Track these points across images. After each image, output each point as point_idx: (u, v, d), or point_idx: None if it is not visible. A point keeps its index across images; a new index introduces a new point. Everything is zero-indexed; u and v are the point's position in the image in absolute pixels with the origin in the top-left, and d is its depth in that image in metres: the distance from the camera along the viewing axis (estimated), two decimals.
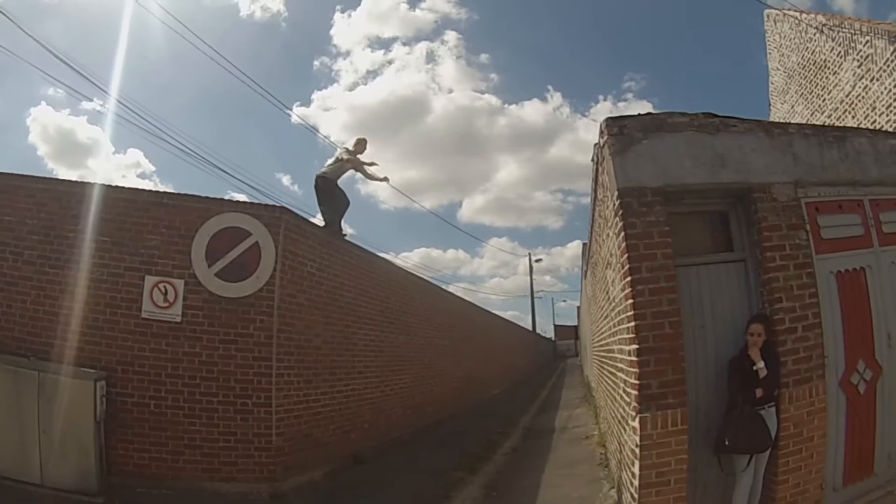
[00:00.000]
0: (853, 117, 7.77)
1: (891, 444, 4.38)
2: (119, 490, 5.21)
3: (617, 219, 3.87)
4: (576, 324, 46.98)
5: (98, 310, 5.66)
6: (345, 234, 7.86)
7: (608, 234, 4.59)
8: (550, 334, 61.40)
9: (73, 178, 6.37)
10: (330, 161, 7.91)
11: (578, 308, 36.36)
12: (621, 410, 4.42)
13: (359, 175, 8.37)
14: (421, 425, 9.96)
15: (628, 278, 3.70)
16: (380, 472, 6.80)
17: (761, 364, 3.69)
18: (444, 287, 14.92)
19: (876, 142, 5.02)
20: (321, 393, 6.72)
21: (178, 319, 5.72)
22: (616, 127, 3.93)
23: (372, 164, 8.43)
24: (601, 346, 7.52)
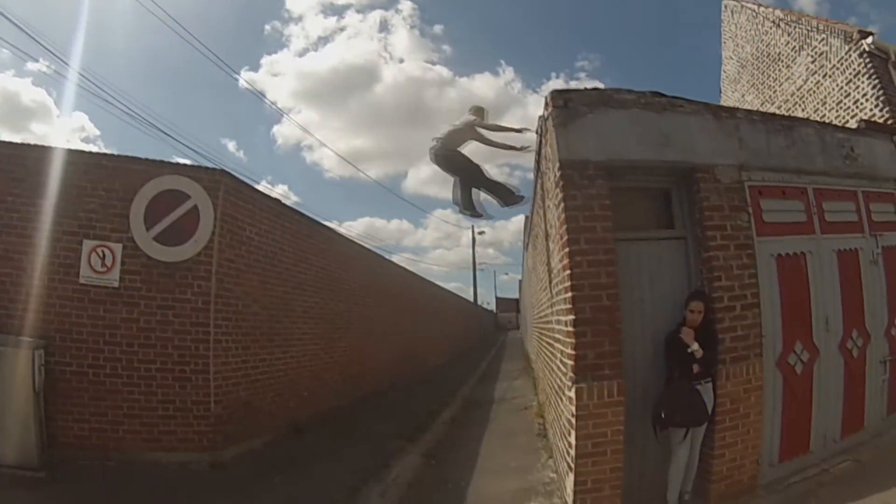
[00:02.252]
0: (802, 110, 8.07)
1: (826, 424, 4.62)
2: (61, 463, 5.09)
3: (558, 190, 3.89)
4: (517, 297, 47.75)
5: (35, 276, 5.50)
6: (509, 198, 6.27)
7: (549, 206, 4.63)
8: (492, 307, 62.34)
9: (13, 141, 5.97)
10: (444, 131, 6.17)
11: (520, 281, 36.90)
12: (558, 381, 4.50)
13: (304, 143, 8.00)
14: (361, 394, 10.01)
15: (566, 249, 3.74)
16: (319, 441, 6.81)
17: (695, 346, 3.79)
18: (387, 257, 14.86)
19: (823, 133, 5.21)
20: (259, 360, 6.71)
21: (116, 284, 5.61)
22: (561, 99, 3.94)
23: (499, 127, 6.27)
24: (540, 317, 7.64)
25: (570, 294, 3.71)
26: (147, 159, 5.92)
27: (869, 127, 5.93)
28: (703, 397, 3.80)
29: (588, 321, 3.68)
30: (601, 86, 4.36)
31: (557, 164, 3.84)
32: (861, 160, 5.38)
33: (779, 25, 8.90)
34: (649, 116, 4.12)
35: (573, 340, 3.69)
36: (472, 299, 39.25)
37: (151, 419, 5.50)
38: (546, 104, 4.10)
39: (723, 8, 11.24)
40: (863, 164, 5.39)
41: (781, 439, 4.36)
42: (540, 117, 4.50)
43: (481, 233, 35.68)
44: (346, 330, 9.83)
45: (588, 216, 3.76)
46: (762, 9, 9.67)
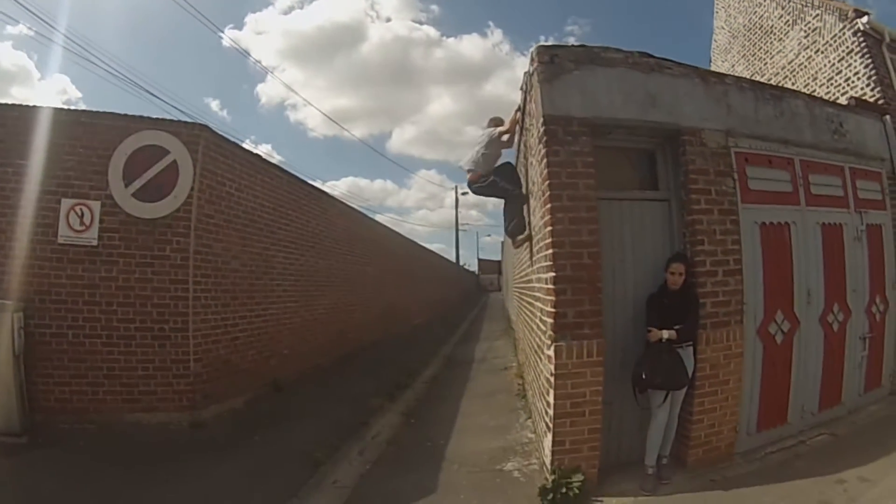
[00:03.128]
0: (793, 84, 8.03)
1: (804, 396, 4.69)
2: (43, 428, 5.09)
3: (541, 146, 3.85)
4: (500, 259, 47.90)
5: (14, 237, 5.45)
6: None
7: (532, 163, 4.61)
8: (474, 268, 62.59)
9: None
10: (470, 156, 5.38)
11: (502, 243, 36.81)
12: (538, 339, 4.51)
13: (288, 102, 7.65)
14: (342, 353, 10.02)
15: (548, 206, 3.71)
16: (300, 400, 6.85)
17: (666, 335, 3.75)
18: (370, 216, 14.74)
19: (813, 107, 5.23)
20: (239, 317, 6.70)
21: (95, 243, 5.57)
22: (547, 55, 3.89)
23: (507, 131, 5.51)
24: (521, 277, 7.60)
25: (550, 251, 3.69)
26: (126, 115, 5.82)
27: (859, 105, 5.95)
28: (684, 361, 3.81)
29: (568, 279, 3.66)
30: None
31: (541, 120, 3.80)
32: (850, 136, 5.44)
33: None
34: (636, 76, 4.08)
35: (553, 298, 3.67)
36: (454, 260, 39.53)
37: (131, 380, 5.49)
38: (532, 60, 4.05)
39: None
40: (851, 141, 5.44)
41: (760, 408, 4.41)
42: (525, 73, 4.43)
43: (464, 193, 35.34)
44: (327, 287, 9.81)
45: (571, 173, 3.72)
46: None
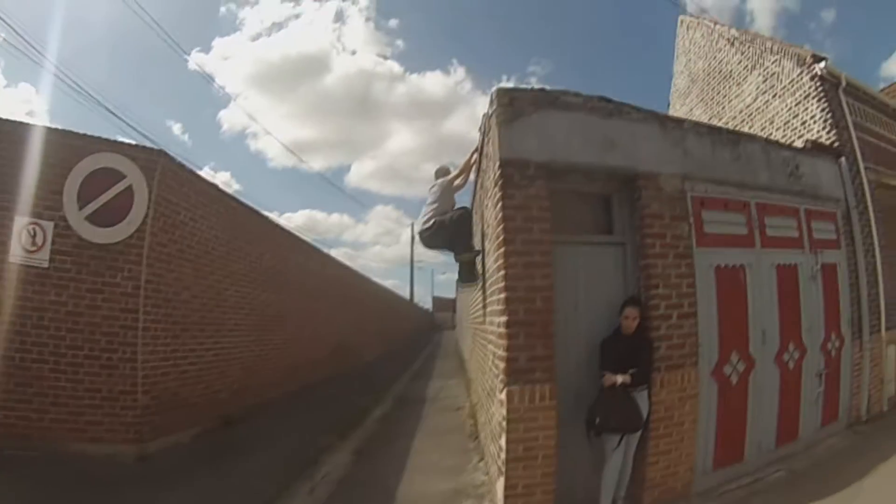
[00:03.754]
0: (750, 127, 8.26)
1: (761, 433, 4.78)
2: None
3: (496, 189, 3.88)
4: (454, 297, 48.15)
5: None
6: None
7: (487, 206, 4.62)
8: (429, 305, 62.57)
9: None
10: (429, 205, 5.40)
11: (457, 281, 36.74)
12: (490, 382, 4.51)
13: (249, 130, 7.60)
14: (293, 388, 9.92)
15: (502, 249, 3.72)
16: (250, 435, 6.70)
17: (620, 379, 3.76)
18: (326, 251, 14.76)
19: (769, 150, 5.38)
20: (189, 350, 6.56)
21: (46, 265, 5.42)
22: (507, 97, 3.92)
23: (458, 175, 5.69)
24: (475, 318, 7.58)
25: (503, 295, 3.69)
26: (84, 134, 5.72)
27: (815, 148, 6.13)
28: (638, 404, 3.83)
29: (521, 323, 3.66)
30: None
31: (498, 163, 3.81)
32: (805, 179, 5.58)
33: (733, 44, 9.10)
34: (595, 120, 4.13)
35: (506, 342, 3.67)
36: (408, 297, 39.62)
37: (78, 408, 5.34)
38: (491, 101, 4.05)
39: (679, 23, 11.44)
40: (807, 183, 5.59)
41: (716, 447, 4.45)
42: (484, 115, 4.45)
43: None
44: (279, 322, 9.70)
45: (526, 217, 3.73)
46: (718, 27, 9.88)
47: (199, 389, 6.71)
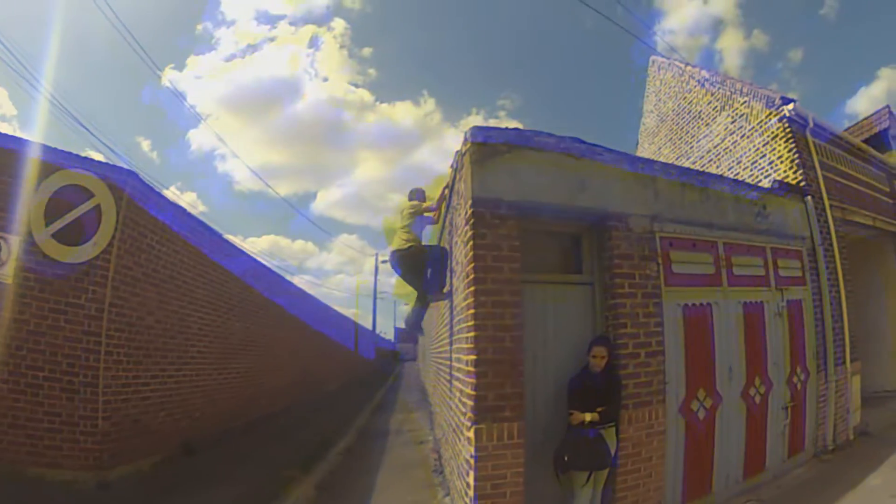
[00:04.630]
0: (717, 167, 8.54)
1: (729, 466, 4.90)
2: None
3: (467, 227, 3.91)
4: None
5: None
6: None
7: (457, 243, 4.62)
8: (391, 336, 62.06)
9: None
10: (403, 228, 5.32)
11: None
12: (457, 419, 4.50)
13: (218, 151, 7.56)
14: (254, 417, 9.82)
15: (472, 288, 3.73)
16: (211, 465, 6.62)
17: (588, 418, 3.80)
18: (288, 278, 14.90)
19: (737, 190, 5.70)
20: (151, 376, 6.45)
21: (9, 281, 5.30)
22: (481, 136, 3.96)
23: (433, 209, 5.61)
24: (439, 352, 7.63)
25: (472, 333, 3.69)
26: (55, 149, 5.67)
27: (782, 187, 6.35)
28: (606, 441, 3.88)
29: (490, 362, 3.68)
30: (520, 125, 4.35)
31: (470, 201, 3.85)
32: (772, 218, 5.78)
33: (703, 85, 9.39)
34: (567, 161, 4.22)
35: (474, 381, 3.68)
36: (370, 327, 39.25)
37: (37, 432, 5.22)
38: (465, 139, 4.07)
39: (650, 63, 11.75)
40: (773, 222, 5.79)
41: (684, 481, 4.55)
42: (457, 152, 4.48)
43: (385, 261, 35.41)
44: (242, 350, 9.60)
45: (496, 256, 3.77)
46: (689, 67, 10.18)
47: (161, 417, 6.61)
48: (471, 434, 3.66)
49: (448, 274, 5.36)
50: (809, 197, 6.53)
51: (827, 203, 6.83)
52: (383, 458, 7.35)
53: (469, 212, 3.83)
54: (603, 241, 4.38)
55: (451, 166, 4.80)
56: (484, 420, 3.63)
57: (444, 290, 5.38)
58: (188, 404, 7.33)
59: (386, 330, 62.36)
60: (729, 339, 5.05)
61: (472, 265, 3.72)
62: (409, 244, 5.21)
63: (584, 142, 4.35)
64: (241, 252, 10.14)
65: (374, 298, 39.75)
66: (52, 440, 5.20)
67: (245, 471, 6.38)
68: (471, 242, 3.76)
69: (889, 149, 11.26)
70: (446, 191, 5.28)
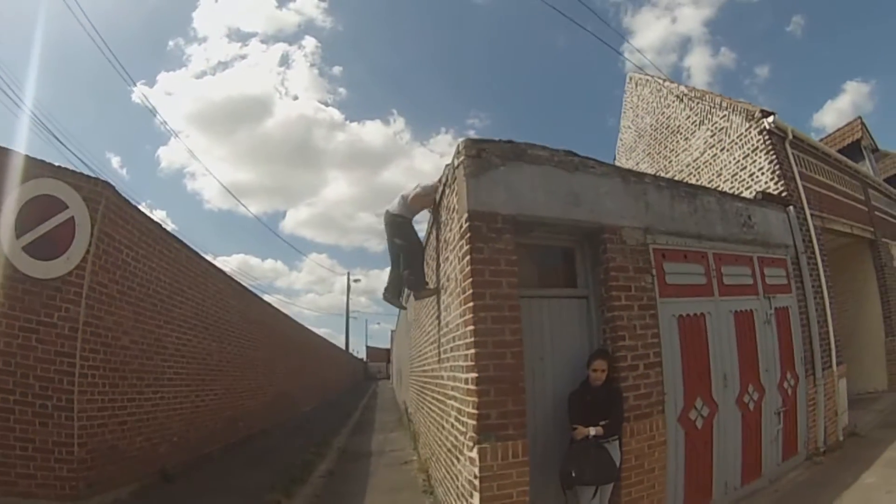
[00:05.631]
0: (697, 180, 8.77)
1: (727, 473, 4.99)
2: None
3: (463, 242, 3.86)
4: (388, 347, 48.34)
5: None
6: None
7: (448, 258, 4.57)
8: (362, 355, 62.11)
9: None
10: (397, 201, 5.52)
11: (392, 332, 37.59)
12: (452, 439, 4.42)
13: (188, 169, 7.43)
14: (232, 440, 9.64)
15: (470, 304, 3.67)
16: (191, 492, 6.40)
17: (593, 431, 3.81)
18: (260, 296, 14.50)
19: (723, 202, 5.72)
20: (128, 399, 6.24)
21: None
22: (475, 149, 3.92)
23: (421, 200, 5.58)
24: (425, 371, 7.42)
25: (472, 351, 3.64)
26: (28, 156, 5.40)
27: (766, 198, 6.54)
28: (611, 455, 3.89)
29: (491, 379, 3.62)
30: None
31: (466, 215, 3.79)
32: (757, 228, 5.94)
33: (682, 100, 9.66)
34: (561, 174, 4.24)
35: (476, 399, 3.61)
36: (343, 346, 39.35)
37: (8, 459, 4.95)
38: (458, 152, 4.02)
39: (628, 80, 12.05)
40: (758, 232, 5.94)
41: (685, 490, 4.60)
42: (447, 166, 4.45)
43: (357, 280, 35.52)
44: (219, 371, 9.40)
45: (494, 271, 3.73)
46: (668, 83, 10.44)
47: (138, 442, 6.39)
48: (474, 454, 3.60)
49: (426, 271, 5.50)
50: (791, 207, 6.72)
51: (808, 212, 7.06)
52: (368, 480, 7.20)
53: (465, 226, 3.78)
54: (598, 254, 4.41)
55: (441, 181, 4.73)
56: (487, 439, 3.57)
57: (431, 287, 5.39)
58: (166, 428, 7.11)
59: (358, 348, 62.01)
60: (722, 347, 5.15)
61: (470, 280, 3.66)
62: (401, 215, 5.29)
63: (576, 155, 4.38)
64: (218, 270, 9.92)
65: (347, 317, 39.67)
66: (26, 468, 4.93)
67: (226, 497, 6.19)
68: (468, 257, 3.70)
69: (862, 158, 11.75)
70: (436, 195, 5.15)
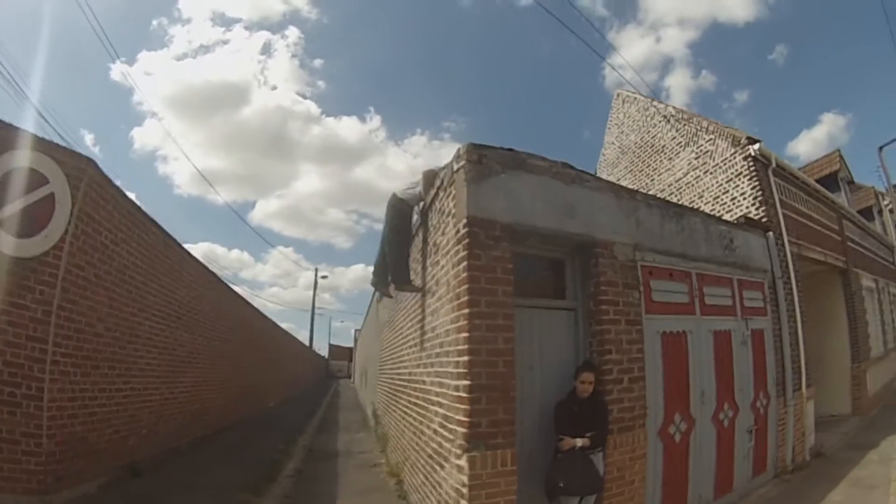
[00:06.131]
0: (678, 200, 8.90)
1: (701, 486, 5.17)
2: None
3: (459, 247, 3.87)
4: (351, 346, 48.49)
5: None
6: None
7: (437, 262, 4.57)
8: (325, 352, 61.34)
9: None
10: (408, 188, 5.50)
11: (357, 331, 37.68)
12: (435, 445, 4.41)
13: (160, 152, 7.21)
14: (201, 434, 9.43)
15: (465, 310, 3.70)
16: (160, 488, 6.25)
17: (580, 443, 3.91)
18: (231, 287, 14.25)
19: (708, 224, 5.95)
20: (99, 389, 5.99)
21: None
22: (476, 154, 3.96)
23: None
24: (399, 374, 7.38)
25: (465, 358, 3.67)
26: (8, 124, 5.09)
27: (748, 222, 6.79)
28: (596, 466, 4.01)
29: (483, 387, 3.65)
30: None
31: (464, 221, 3.82)
32: (738, 251, 6.17)
33: (668, 121, 9.90)
34: (558, 186, 4.32)
35: (467, 407, 3.64)
36: (306, 342, 38.75)
37: None
38: (458, 156, 4.04)
39: (615, 96, 12.29)
40: (740, 255, 6.17)
41: (662, 502, 4.74)
42: (444, 169, 4.45)
43: (325, 277, 35.13)
44: (189, 363, 9.19)
45: (490, 278, 3.77)
46: (655, 103, 10.68)
47: (107, 434, 6.14)
48: (462, 462, 3.62)
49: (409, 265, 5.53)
50: (771, 233, 6.97)
51: (786, 239, 7.29)
52: (338, 481, 7.15)
53: (463, 231, 3.80)
54: (588, 268, 4.51)
55: (435, 185, 4.72)
56: (477, 447, 3.59)
57: (416, 284, 5.38)
58: (135, 420, 6.88)
59: (320, 346, 61.47)
60: (702, 365, 5.33)
61: (466, 287, 3.69)
62: (404, 200, 5.29)
63: (573, 167, 4.48)
64: (192, 258, 9.70)
65: (312, 315, 38.91)
66: None
67: (195, 495, 6.02)
68: (465, 263, 3.73)
69: (838, 190, 12.27)
70: (432, 191, 5.04)
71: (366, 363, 19.35)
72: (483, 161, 3.96)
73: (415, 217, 5.56)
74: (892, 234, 15.83)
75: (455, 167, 4.07)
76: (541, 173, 4.24)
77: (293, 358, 27.79)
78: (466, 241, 3.78)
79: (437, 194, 4.72)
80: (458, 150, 4.07)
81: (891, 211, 16.32)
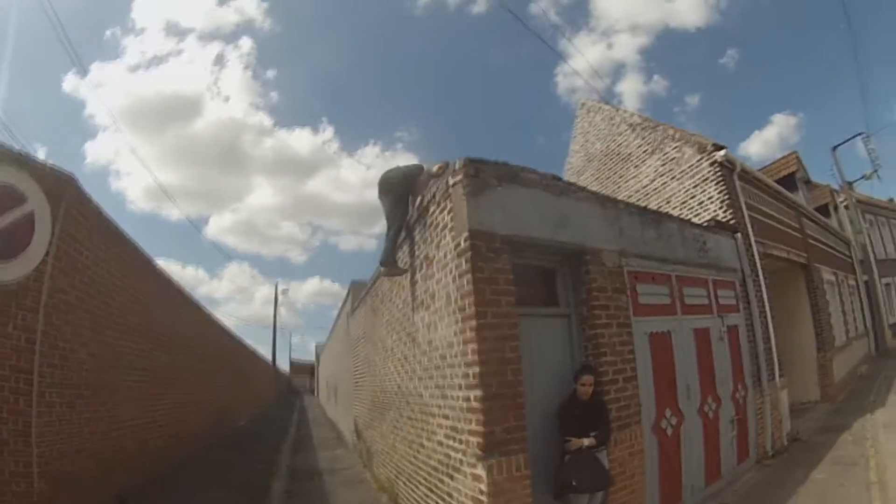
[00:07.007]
0: (646, 206, 9.26)
1: (693, 476, 5.54)
2: None
3: (462, 261, 4.02)
4: (312, 362, 48.68)
5: None
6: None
7: (432, 275, 4.71)
8: (285, 368, 61.09)
9: None
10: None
11: (318, 345, 37.84)
12: (440, 457, 4.54)
13: (113, 167, 7.04)
14: (180, 458, 9.26)
15: (473, 322, 3.85)
16: None
17: (586, 442, 4.15)
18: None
19: (683, 228, 6.39)
20: (84, 420, 5.80)
21: None
22: (472, 168, 4.12)
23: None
24: (385, 389, 7.38)
25: (476, 369, 3.80)
26: None
27: (717, 225, 7.27)
28: (603, 463, 4.27)
29: (495, 396, 3.79)
30: (416, 158, 4.43)
31: (466, 234, 3.96)
32: (711, 252, 6.61)
33: (634, 129, 10.31)
34: (549, 197, 4.56)
35: (482, 417, 3.76)
36: (268, 359, 38.23)
37: None
38: (454, 171, 4.18)
39: (580, 106, 12.69)
40: (712, 256, 6.61)
41: (659, 493, 5.07)
42: (438, 183, 4.56)
43: (285, 291, 34.64)
44: (168, 385, 9.12)
45: (494, 290, 3.93)
46: (621, 111, 11.10)
47: (94, 468, 5.94)
48: (479, 471, 3.74)
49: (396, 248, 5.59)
50: (738, 234, 7.44)
51: (752, 239, 7.75)
52: (330, 500, 7.18)
53: (465, 245, 3.93)
54: (579, 275, 4.76)
55: (427, 198, 4.80)
56: (493, 455, 3.71)
57: (403, 267, 5.51)
58: (120, 450, 6.70)
59: (280, 362, 60.39)
60: (686, 361, 5.69)
61: (472, 299, 3.82)
62: (403, 178, 5.36)
63: (560, 179, 4.75)
64: (168, 277, 9.63)
65: (275, 331, 38.31)
66: None
67: None
68: (469, 276, 3.87)
69: (796, 189, 13.08)
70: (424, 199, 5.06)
71: (334, 379, 19.24)
72: (480, 175, 4.12)
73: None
74: (848, 230, 16.90)
75: (451, 181, 4.21)
76: (533, 186, 4.45)
77: (260, 375, 27.70)
78: (469, 253, 3.91)
79: (426, 209, 4.82)
80: (454, 163, 4.22)
81: (846, 207, 17.57)
